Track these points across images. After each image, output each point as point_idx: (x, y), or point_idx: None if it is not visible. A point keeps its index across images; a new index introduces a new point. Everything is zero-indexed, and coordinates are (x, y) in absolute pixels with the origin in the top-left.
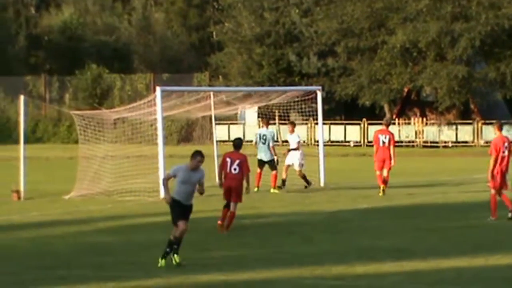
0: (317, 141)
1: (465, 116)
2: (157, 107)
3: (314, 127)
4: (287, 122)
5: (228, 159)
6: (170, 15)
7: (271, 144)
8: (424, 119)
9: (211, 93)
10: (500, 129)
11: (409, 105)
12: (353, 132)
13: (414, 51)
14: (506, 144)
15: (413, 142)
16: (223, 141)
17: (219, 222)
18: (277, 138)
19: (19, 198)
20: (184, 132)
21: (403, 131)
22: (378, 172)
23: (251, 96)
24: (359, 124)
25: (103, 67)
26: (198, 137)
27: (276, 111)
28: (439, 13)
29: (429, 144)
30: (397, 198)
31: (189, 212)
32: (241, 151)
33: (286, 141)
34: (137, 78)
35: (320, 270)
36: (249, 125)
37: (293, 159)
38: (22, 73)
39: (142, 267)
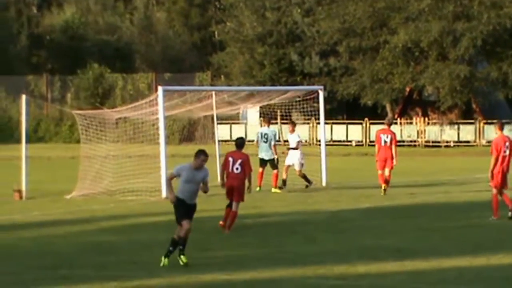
0: (319, 141)
1: (467, 115)
2: (159, 106)
3: (316, 126)
4: (288, 121)
5: (230, 159)
6: (172, 15)
7: (272, 143)
8: (426, 119)
9: (213, 93)
10: (501, 128)
11: (411, 104)
12: (355, 132)
13: (416, 50)
14: (507, 143)
15: (415, 141)
16: (225, 141)
17: (221, 222)
18: (279, 138)
19: (21, 197)
20: (186, 131)
21: (405, 130)
22: (380, 172)
23: (253, 96)
24: (361, 123)
25: (105, 67)
26: (200, 137)
27: (278, 110)
28: (441, 12)
29: (431, 144)
30: (398, 197)
31: (193, 211)
32: (244, 150)
33: (287, 141)
34: (139, 78)
35: (323, 270)
36: (251, 124)
37: (293, 159)
38: (24, 72)
39: (144, 267)
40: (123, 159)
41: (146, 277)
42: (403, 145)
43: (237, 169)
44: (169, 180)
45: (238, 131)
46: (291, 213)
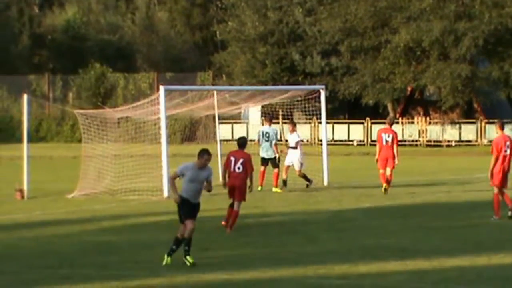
0: (321, 140)
1: (468, 115)
2: (161, 106)
3: (318, 126)
4: (289, 121)
5: (232, 158)
6: (173, 14)
7: (273, 142)
8: (428, 118)
9: (215, 92)
10: (502, 128)
11: (413, 104)
12: (357, 131)
13: (418, 50)
14: (508, 143)
15: (416, 141)
16: (227, 140)
17: (223, 222)
18: (280, 137)
19: (22, 197)
20: (188, 131)
21: (407, 130)
22: (381, 171)
23: (255, 95)
24: (362, 123)
25: (106, 66)
26: (202, 136)
27: (280, 110)
28: (443, 12)
29: (432, 143)
30: (400, 197)
31: (197, 211)
32: (246, 150)
33: (288, 140)
34: (141, 77)
35: (324, 269)
36: (253, 124)
37: (293, 159)
38: (25, 72)
39: (145, 266)
40: (124, 159)
41: (147, 276)
42: (405, 145)
43: (238, 168)
44: (173, 179)
45: (239, 131)
46: (292, 212)
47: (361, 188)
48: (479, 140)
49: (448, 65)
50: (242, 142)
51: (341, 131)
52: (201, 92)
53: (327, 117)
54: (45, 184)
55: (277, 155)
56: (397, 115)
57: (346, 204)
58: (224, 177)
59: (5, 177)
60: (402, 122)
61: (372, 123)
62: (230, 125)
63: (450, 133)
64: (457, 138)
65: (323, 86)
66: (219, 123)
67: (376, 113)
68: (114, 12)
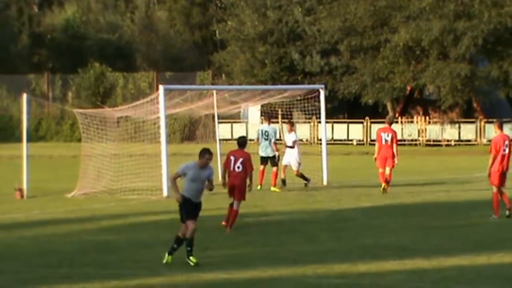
0: (320, 140)
1: (468, 114)
2: (160, 105)
3: (317, 125)
4: (287, 121)
5: (232, 157)
6: (173, 14)
7: (272, 140)
8: (427, 118)
9: (214, 92)
10: (501, 127)
11: (412, 103)
12: (356, 131)
13: (417, 49)
14: (506, 142)
15: (416, 140)
16: (226, 140)
17: (223, 223)
18: (280, 136)
19: (22, 196)
20: (187, 130)
21: (406, 129)
22: (381, 170)
23: (254, 95)
24: (362, 122)
25: (106, 66)
26: (201, 136)
27: (279, 109)
28: (442, 11)
29: (432, 143)
30: (399, 196)
31: (199, 210)
32: (246, 149)
33: None
34: (140, 77)
35: (323, 269)
36: (252, 123)
37: (290, 158)
38: (25, 71)
39: (145, 266)
40: (124, 158)
41: (147, 276)
42: (404, 144)
43: (238, 167)
44: (174, 179)
45: (239, 130)
46: (291, 212)
47: (360, 188)
48: (478, 139)
49: (448, 65)
50: (242, 141)
51: (340, 130)
52: (200, 92)
53: (327, 117)
54: (44, 183)
55: (276, 154)
56: (397, 115)
57: (345, 203)
58: (223, 177)
59: (4, 176)
60: (401, 122)
61: (371, 122)
62: (229, 125)
63: (450, 133)
64: (457, 138)
65: (323, 86)
66: (219, 122)
67: (376, 113)
68: (114, 11)
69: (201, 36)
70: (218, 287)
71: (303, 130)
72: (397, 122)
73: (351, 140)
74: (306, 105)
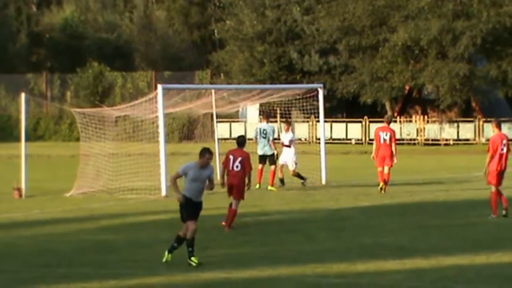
0: (319, 139)
1: (466, 114)
2: (159, 104)
3: (316, 125)
4: (284, 120)
5: (231, 156)
6: (171, 13)
7: (271, 139)
8: (426, 117)
9: (212, 91)
10: (498, 126)
11: (411, 103)
12: (355, 130)
13: (416, 49)
14: (504, 141)
15: (414, 140)
16: (225, 139)
17: (223, 223)
18: (278, 135)
19: (20, 196)
20: (186, 129)
21: (405, 129)
22: (379, 169)
23: (253, 94)
24: (360, 122)
25: (104, 65)
26: (200, 135)
27: (278, 109)
28: (441, 11)
29: (430, 142)
30: (398, 195)
31: (199, 210)
32: (245, 148)
33: None
34: (139, 76)
35: (322, 268)
36: (251, 122)
37: (287, 158)
38: (23, 71)
39: (144, 265)
40: (122, 157)
41: (146, 275)
42: (403, 143)
43: (237, 167)
44: (175, 179)
45: (237, 129)
46: (290, 211)
47: (359, 187)
48: (477, 138)
49: (446, 64)
50: (241, 140)
51: (339, 129)
52: (199, 91)
53: (325, 116)
54: (43, 182)
55: (275, 152)
56: (395, 114)
57: (344, 202)
58: (222, 176)
59: (3, 175)
60: (400, 121)
61: (370, 122)
62: (228, 124)
63: (448, 132)
64: (455, 137)
65: (321, 85)
66: (217, 121)
67: (374, 112)
68: (112, 10)
69: (200, 35)
70: (217, 287)
71: (301, 130)
72: (395, 121)
73: (350, 140)
74: (304, 104)
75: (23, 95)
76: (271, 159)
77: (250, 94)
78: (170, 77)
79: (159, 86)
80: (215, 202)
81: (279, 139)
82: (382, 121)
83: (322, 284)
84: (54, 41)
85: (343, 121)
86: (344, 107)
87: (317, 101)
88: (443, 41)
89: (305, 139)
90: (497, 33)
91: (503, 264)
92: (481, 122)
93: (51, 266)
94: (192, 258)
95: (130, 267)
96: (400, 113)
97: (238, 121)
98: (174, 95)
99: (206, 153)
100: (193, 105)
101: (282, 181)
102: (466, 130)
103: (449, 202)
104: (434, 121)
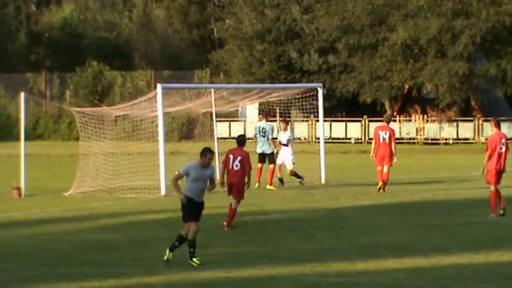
0: (318, 138)
1: (466, 113)
2: (158, 104)
3: (315, 124)
4: (282, 120)
5: (231, 156)
6: (170, 12)
7: (270, 137)
8: (425, 116)
9: (212, 90)
10: (497, 125)
11: (410, 102)
12: (354, 129)
13: (415, 48)
14: (503, 140)
15: (414, 139)
16: (224, 138)
17: (224, 223)
18: (277, 135)
19: (20, 195)
20: (185, 129)
21: (404, 128)
22: (379, 168)
23: (252, 93)
24: (360, 121)
25: (103, 64)
26: (199, 134)
27: (277, 108)
28: (440, 9)
29: (430, 141)
30: (397, 195)
31: (201, 210)
32: (245, 148)
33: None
34: (138, 75)
35: (321, 267)
36: (250, 122)
37: (284, 157)
38: (22, 70)
39: (144, 264)
40: (122, 157)
41: (145, 274)
42: (402, 143)
43: (236, 166)
44: (176, 180)
45: (237, 129)
46: (290, 210)
47: (358, 186)
48: (476, 137)
49: (446, 63)
50: (241, 140)
51: (338, 129)
52: (198, 90)
53: (325, 115)
54: (42, 182)
55: (274, 150)
56: (395, 113)
57: (343, 202)
58: (222, 175)
59: (2, 175)
60: (399, 120)
61: (369, 121)
62: (227, 123)
63: (448, 131)
64: (455, 136)
65: (321, 84)
66: (217, 121)
67: (374, 111)
68: (111, 9)
69: (199, 34)
70: (216, 286)
71: (301, 129)
72: (395, 120)
73: (349, 139)
74: (304, 103)
75: (22, 94)
76: (270, 158)
77: (249, 93)
78: (170, 76)
79: (159, 86)
80: (216, 201)
81: (277, 138)
82: (381, 120)
83: (321, 283)
84: (54, 40)
85: (343, 120)
86: (343, 106)
87: (317, 100)
88: (442, 40)
89: (305, 139)
90: (497, 31)
91: (503, 263)
92: (480, 121)
93: (51, 265)
94: (194, 259)
95: (129, 266)
96: (400, 112)
97: (237, 120)
98: (174, 94)
99: (208, 153)
100: (193, 104)
101: (281, 180)
102: (466, 129)
103: (448, 201)
104: (434, 120)
